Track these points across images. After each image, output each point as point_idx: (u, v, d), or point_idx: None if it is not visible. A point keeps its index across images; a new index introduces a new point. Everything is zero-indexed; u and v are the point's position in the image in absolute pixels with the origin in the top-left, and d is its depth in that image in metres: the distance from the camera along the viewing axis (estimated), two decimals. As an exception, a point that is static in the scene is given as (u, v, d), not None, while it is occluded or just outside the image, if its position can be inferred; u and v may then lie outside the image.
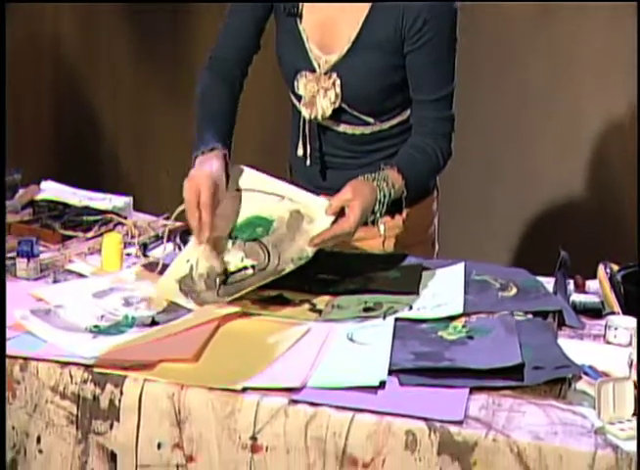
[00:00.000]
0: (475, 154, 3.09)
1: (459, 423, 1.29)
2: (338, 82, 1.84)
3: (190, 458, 1.37)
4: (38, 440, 1.43)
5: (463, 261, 1.82)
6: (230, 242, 1.67)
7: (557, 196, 3.10)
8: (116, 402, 1.39)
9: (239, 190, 1.71)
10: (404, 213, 1.88)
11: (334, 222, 1.63)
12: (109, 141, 3.64)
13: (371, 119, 1.89)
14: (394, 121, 1.90)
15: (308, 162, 1.96)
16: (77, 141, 3.66)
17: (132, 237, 1.94)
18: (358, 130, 1.90)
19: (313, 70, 1.87)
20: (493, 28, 3.02)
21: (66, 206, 2.09)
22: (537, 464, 1.25)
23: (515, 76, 3.06)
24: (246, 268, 1.64)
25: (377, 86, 1.84)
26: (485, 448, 1.27)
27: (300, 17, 1.87)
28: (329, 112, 1.87)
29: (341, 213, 1.64)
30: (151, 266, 1.80)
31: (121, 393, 1.39)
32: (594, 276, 1.73)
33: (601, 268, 1.72)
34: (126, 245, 1.87)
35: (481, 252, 3.09)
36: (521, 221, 3.16)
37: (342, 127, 1.91)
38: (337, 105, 1.86)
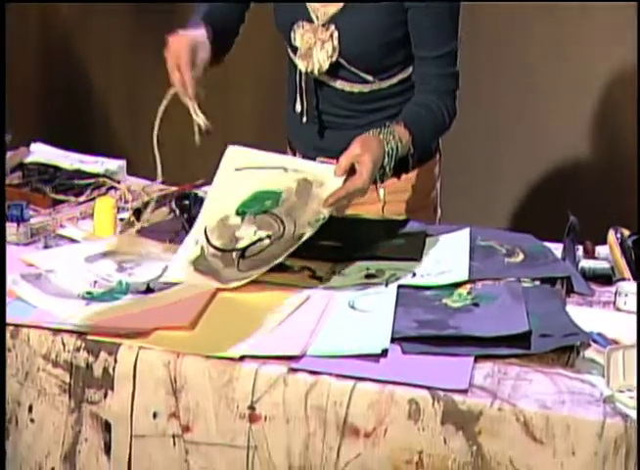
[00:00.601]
0: (479, 116, 3.07)
1: (463, 392, 1.29)
2: (335, 34, 1.82)
3: (186, 428, 1.38)
4: (30, 409, 1.44)
5: (468, 227, 1.82)
6: (239, 218, 1.66)
7: (566, 159, 3.09)
8: (111, 371, 1.39)
9: (238, 170, 1.70)
10: (404, 177, 1.87)
11: (345, 181, 1.63)
12: (101, 102, 3.61)
13: (370, 77, 1.87)
14: (394, 80, 1.89)
15: (305, 119, 1.95)
16: (68, 102, 3.64)
17: (125, 202, 1.93)
18: (356, 88, 1.89)
19: (311, 21, 1.86)
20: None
21: (56, 169, 2.08)
22: (544, 434, 1.25)
23: (522, 34, 3.03)
24: (261, 240, 1.63)
25: (376, 42, 1.82)
26: (491, 418, 1.27)
27: None
28: (326, 65, 1.85)
29: (350, 172, 1.63)
30: (145, 232, 1.79)
31: (116, 361, 1.39)
32: (604, 242, 1.73)
33: (611, 233, 1.71)
34: (119, 210, 1.87)
35: (487, 217, 3.09)
36: (528, 185, 3.15)
37: (339, 84, 1.89)
38: (334, 59, 1.84)
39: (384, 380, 1.32)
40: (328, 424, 1.32)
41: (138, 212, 1.88)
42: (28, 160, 2.12)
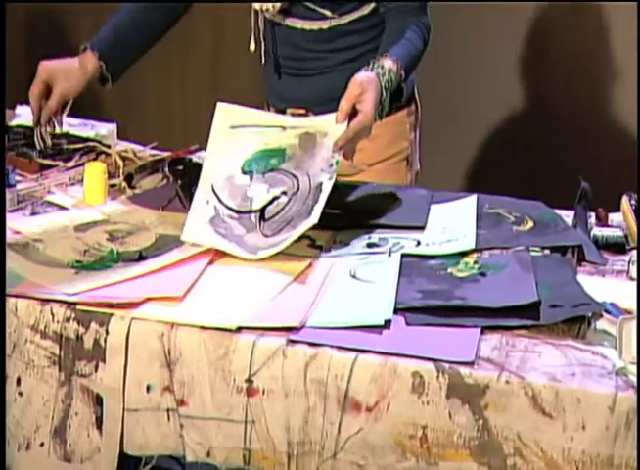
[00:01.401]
0: (485, 69, 3.06)
1: (470, 364, 1.29)
2: None
3: (181, 402, 1.38)
4: (18, 382, 1.44)
5: (475, 194, 1.81)
6: (246, 177, 1.65)
7: (576, 124, 3.07)
8: (102, 342, 1.39)
9: (233, 127, 1.69)
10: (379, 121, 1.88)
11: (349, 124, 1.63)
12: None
13: (327, 12, 1.88)
14: (355, 15, 1.90)
15: (263, 60, 1.96)
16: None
17: (117, 167, 1.92)
18: (316, 25, 1.90)
19: None
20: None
21: (43, 133, 2.07)
22: (554, 407, 1.25)
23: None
24: (277, 198, 1.62)
25: None
26: (498, 391, 1.27)
27: None
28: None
29: (352, 114, 1.64)
30: (137, 199, 1.79)
31: (107, 332, 1.39)
32: (617, 209, 1.73)
33: (625, 200, 1.71)
34: (110, 175, 1.86)
35: (492, 182, 3.09)
36: (537, 150, 3.14)
37: (299, 23, 1.90)
38: None
39: (386, 352, 1.32)
40: (328, 398, 1.32)
41: (130, 178, 1.87)
42: (13, 123, 2.11)
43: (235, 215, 1.61)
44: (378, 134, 1.87)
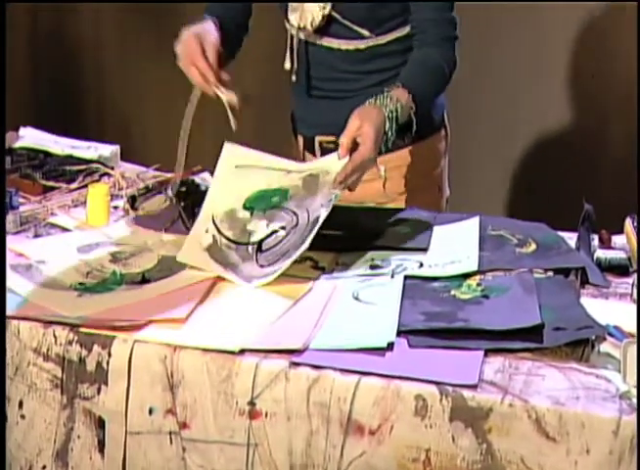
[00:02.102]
0: (491, 98, 3.07)
1: (473, 387, 1.29)
2: None
3: (183, 425, 1.38)
4: (20, 405, 1.44)
5: (478, 215, 1.82)
6: (247, 212, 1.66)
7: (581, 145, 3.08)
8: (104, 365, 1.39)
9: (239, 167, 1.70)
10: (405, 152, 1.88)
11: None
12: (93, 85, 3.61)
13: (365, 32, 1.87)
14: (392, 36, 1.89)
15: (294, 77, 1.95)
16: (59, 85, 3.63)
17: (120, 189, 1.93)
18: (352, 45, 1.89)
19: None
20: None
21: (47, 154, 2.08)
22: (557, 431, 1.25)
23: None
24: (276, 232, 1.63)
25: None
26: (501, 415, 1.27)
27: None
28: (319, 18, 1.86)
29: (354, 149, 1.64)
30: (140, 220, 1.79)
31: (109, 355, 1.39)
32: (621, 231, 1.73)
33: (628, 222, 1.71)
34: (113, 197, 1.87)
35: (497, 203, 3.10)
36: (541, 171, 3.15)
37: (335, 43, 1.90)
38: (326, 11, 1.85)
39: (389, 375, 1.32)
40: (331, 421, 1.32)
41: (133, 200, 1.88)
42: (17, 145, 2.12)
43: (232, 246, 1.62)
44: (410, 162, 1.93)
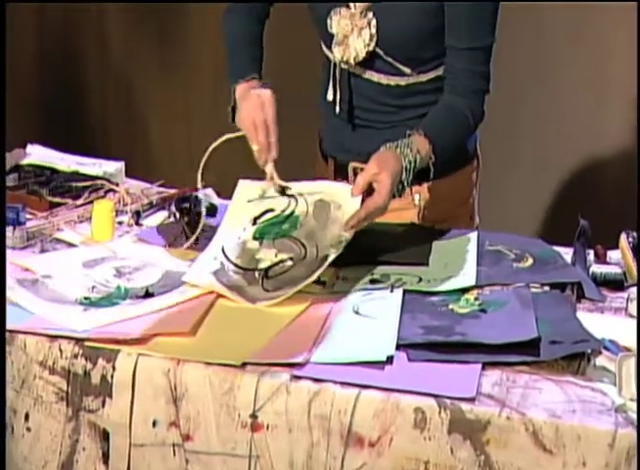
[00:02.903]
0: (493, 117, 3.07)
1: (471, 400, 1.29)
2: (373, 22, 1.82)
3: (187, 437, 1.38)
4: (26, 417, 1.44)
5: (475, 231, 1.82)
6: (257, 242, 1.66)
7: (577, 162, 3.09)
8: (109, 378, 1.40)
9: (250, 201, 1.71)
10: (441, 182, 1.87)
11: (363, 200, 1.63)
12: (98, 103, 3.62)
13: (407, 69, 1.86)
14: (432, 75, 1.88)
15: (337, 108, 1.94)
16: (64, 102, 3.64)
17: (124, 205, 1.93)
18: (393, 81, 1.88)
19: (348, 8, 1.86)
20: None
21: (53, 171, 2.08)
22: (554, 444, 1.25)
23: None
24: (283, 261, 1.63)
25: (414, 29, 1.82)
26: (499, 427, 1.27)
27: None
28: (362, 53, 1.85)
29: (368, 190, 1.63)
30: (144, 235, 1.80)
31: (114, 368, 1.39)
32: (616, 246, 1.73)
33: (623, 237, 1.71)
34: (118, 213, 1.87)
35: (513, 223, 3.09)
36: (538, 189, 3.15)
37: (376, 77, 1.89)
38: (371, 47, 1.84)
39: (389, 388, 1.32)
40: (332, 433, 1.32)
41: (137, 216, 1.89)
42: (25, 161, 2.13)
43: (240, 271, 1.62)
44: (442, 193, 1.91)
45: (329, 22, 1.87)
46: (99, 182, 2.01)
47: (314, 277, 1.58)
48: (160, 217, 1.90)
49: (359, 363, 1.37)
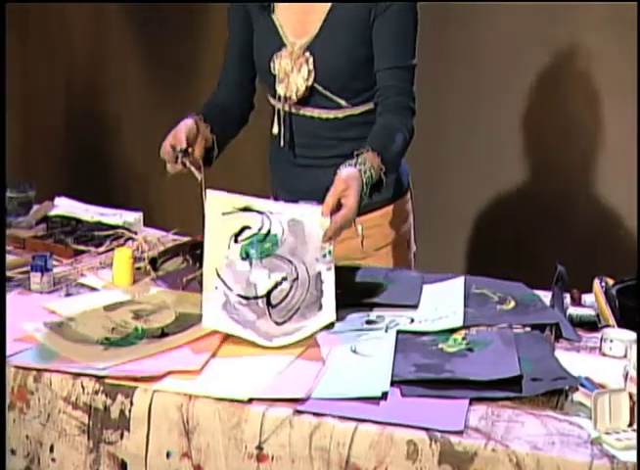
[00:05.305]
0: (470, 158, 3.07)
1: (459, 433, 1.29)
2: (311, 60, 1.90)
3: (198, 467, 1.37)
4: (51, 449, 1.44)
5: (463, 276, 1.82)
6: (246, 263, 1.64)
7: (554, 211, 3.08)
8: (127, 413, 1.39)
9: (225, 214, 1.69)
10: (379, 213, 1.95)
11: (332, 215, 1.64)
12: (120, 160, 3.64)
13: (342, 101, 1.92)
14: (364, 107, 1.94)
15: (282, 142, 1.99)
16: (89, 158, 3.67)
17: (142, 252, 1.94)
18: (332, 114, 1.94)
19: (287, 49, 1.93)
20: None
21: (78, 221, 2.10)
22: (536, 474, 1.25)
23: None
24: (279, 283, 1.63)
25: (348, 59, 1.89)
26: (485, 458, 1.26)
27: (273, 10, 1.94)
28: (302, 88, 1.91)
29: (336, 208, 1.65)
30: (160, 280, 1.81)
31: (132, 403, 1.39)
32: (590, 290, 1.73)
33: (596, 283, 1.72)
34: (136, 259, 1.88)
35: (479, 264, 3.08)
36: (517, 235, 3.14)
37: (316, 112, 1.95)
38: (310, 82, 1.91)
39: (384, 422, 1.32)
40: (331, 464, 1.31)
41: (154, 262, 1.89)
42: (52, 213, 2.14)
43: (244, 301, 1.60)
44: (382, 222, 1.99)
45: (271, 65, 1.94)
46: (119, 231, 2.03)
47: (331, 315, 1.58)
48: (175, 263, 1.90)
49: (356, 399, 1.37)
